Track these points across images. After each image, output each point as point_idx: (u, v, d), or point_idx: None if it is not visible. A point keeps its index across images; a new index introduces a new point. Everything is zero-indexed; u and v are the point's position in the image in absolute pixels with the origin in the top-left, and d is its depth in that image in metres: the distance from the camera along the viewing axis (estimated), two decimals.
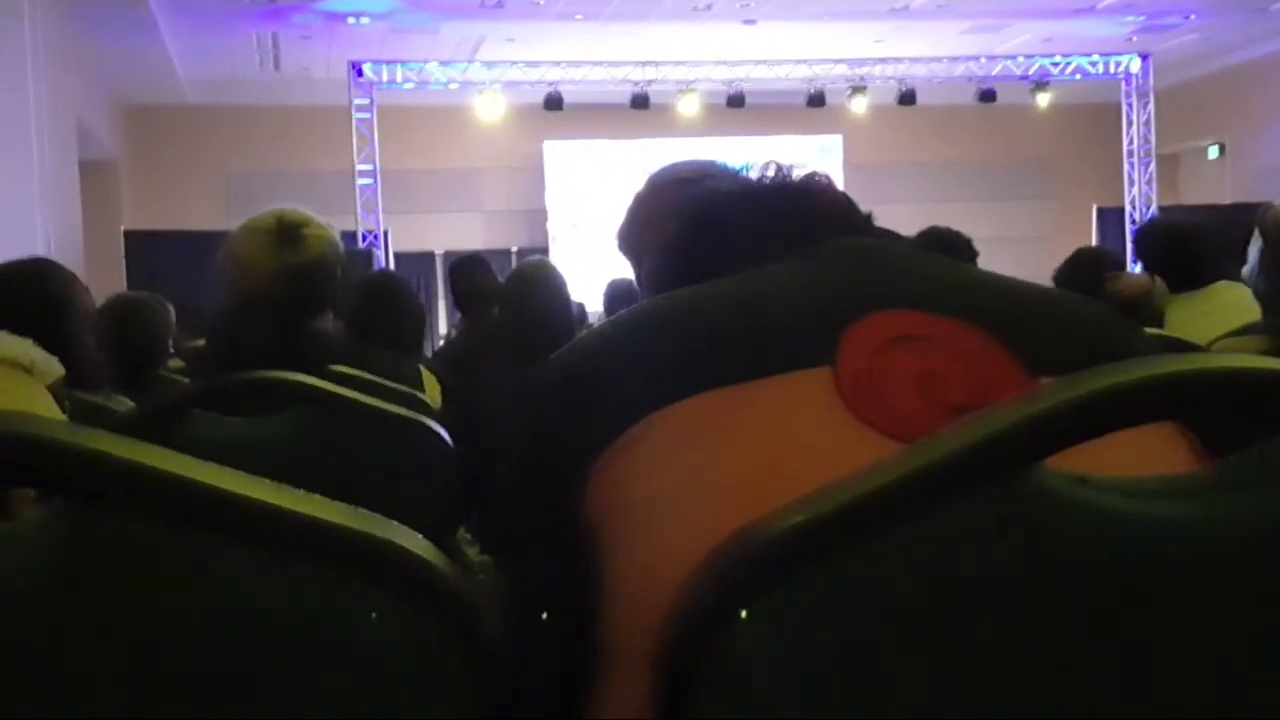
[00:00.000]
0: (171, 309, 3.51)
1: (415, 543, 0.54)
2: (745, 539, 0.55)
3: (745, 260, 0.91)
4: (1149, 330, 2.70)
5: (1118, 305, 3.25)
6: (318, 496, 0.54)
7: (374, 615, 0.52)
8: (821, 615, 0.55)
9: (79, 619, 0.51)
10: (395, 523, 0.55)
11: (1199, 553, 0.54)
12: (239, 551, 0.52)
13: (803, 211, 0.98)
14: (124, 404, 2.22)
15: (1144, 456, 0.66)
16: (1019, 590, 0.54)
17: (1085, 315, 0.89)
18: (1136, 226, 9.99)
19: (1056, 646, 0.54)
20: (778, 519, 0.54)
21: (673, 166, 1.62)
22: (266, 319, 1.98)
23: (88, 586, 0.52)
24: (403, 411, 1.54)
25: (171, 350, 3.52)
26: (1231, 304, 3.09)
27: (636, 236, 1.53)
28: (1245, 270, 2.35)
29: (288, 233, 1.97)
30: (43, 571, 0.52)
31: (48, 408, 1.68)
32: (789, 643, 0.56)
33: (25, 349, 1.69)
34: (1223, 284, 3.33)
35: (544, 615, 0.84)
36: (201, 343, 4.71)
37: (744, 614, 0.53)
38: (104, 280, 7.89)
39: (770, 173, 1.04)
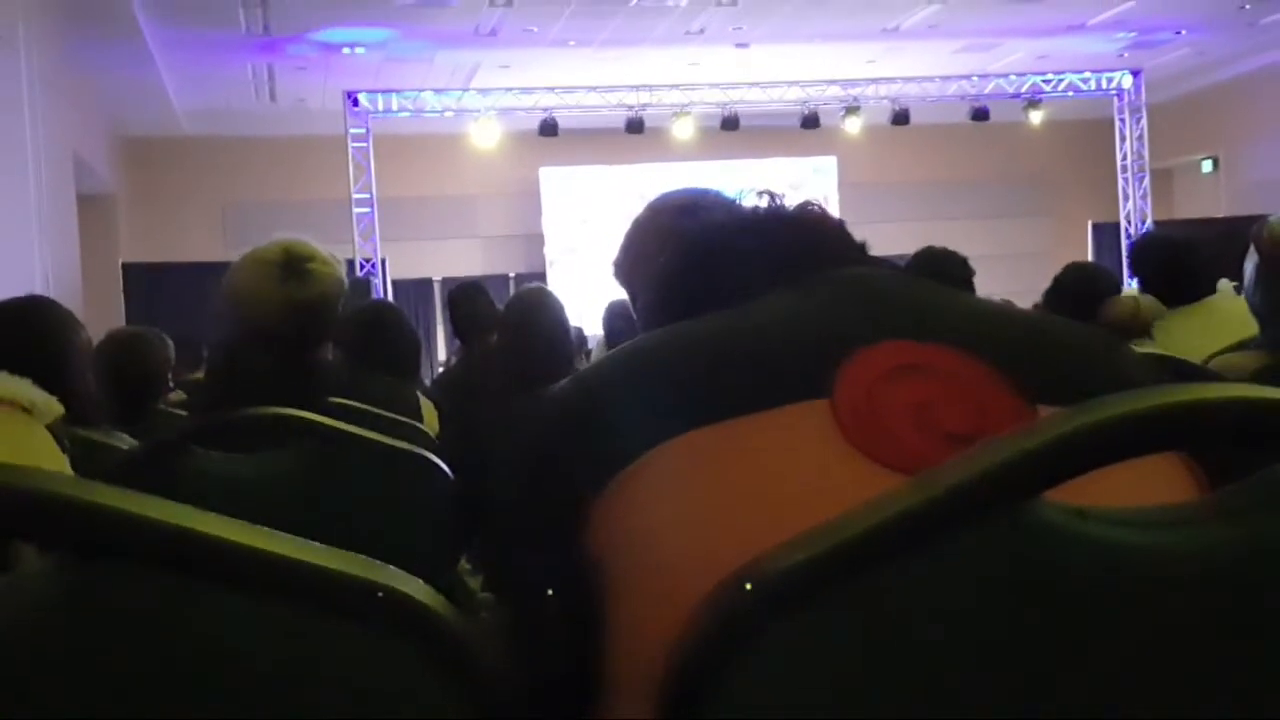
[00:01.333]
0: (170, 342, 3.51)
1: (414, 587, 0.54)
2: (748, 575, 0.55)
3: (741, 292, 0.91)
4: (1142, 348, 2.71)
5: (1110, 328, 3.25)
6: (316, 544, 0.54)
7: (379, 669, 0.52)
8: (823, 650, 0.55)
9: (80, 670, 0.51)
10: (393, 568, 0.55)
11: (1198, 583, 0.55)
12: (239, 599, 0.52)
13: (797, 242, 0.98)
14: (124, 440, 2.22)
15: (1145, 485, 0.66)
16: (1020, 623, 0.54)
17: (1079, 342, 0.89)
18: (1131, 241, 10.02)
19: (1058, 678, 0.54)
20: (780, 556, 0.54)
21: (669, 195, 1.62)
22: (267, 351, 1.99)
23: (88, 638, 0.52)
24: (401, 445, 1.54)
25: (171, 384, 3.52)
26: (1228, 317, 3.09)
27: (631, 267, 1.53)
28: (1243, 285, 2.36)
29: (293, 266, 1.97)
30: (44, 623, 0.52)
31: (48, 448, 1.68)
32: (791, 677, 0.56)
33: (24, 389, 1.69)
34: (1220, 294, 3.33)
35: (547, 649, 0.84)
36: (201, 375, 4.72)
37: (755, 667, 0.53)
38: (102, 313, 7.91)
39: (764, 203, 1.04)
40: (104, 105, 9.94)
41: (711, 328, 0.87)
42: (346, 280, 2.11)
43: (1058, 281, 3.63)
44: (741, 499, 0.74)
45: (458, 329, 4.51)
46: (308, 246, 2.02)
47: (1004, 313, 0.90)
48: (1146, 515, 0.58)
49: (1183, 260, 3.43)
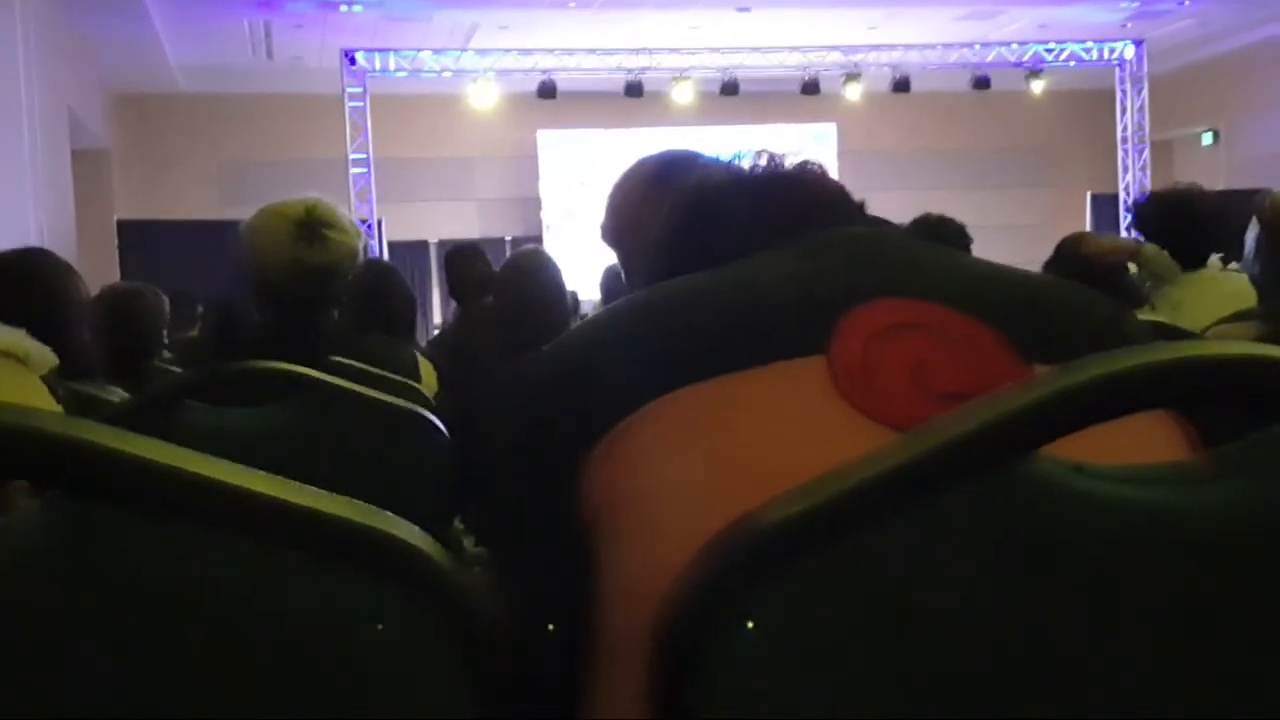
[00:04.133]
0: (166, 299, 3.50)
1: (411, 534, 0.54)
2: (740, 530, 0.55)
3: (738, 250, 0.91)
4: (1143, 317, 2.70)
5: (1096, 270, 3.18)
6: (313, 488, 0.54)
7: (374, 616, 0.52)
8: (817, 606, 0.56)
9: (76, 613, 0.51)
10: (390, 514, 0.55)
11: (1196, 540, 0.55)
12: (235, 543, 0.52)
13: (795, 201, 0.97)
14: (118, 395, 2.22)
15: (1140, 444, 0.66)
16: (1015, 577, 0.54)
17: (1076, 302, 0.89)
18: (1131, 210, 9.99)
19: (1054, 633, 0.54)
20: (772, 510, 0.54)
21: (648, 159, 1.62)
22: (271, 307, 1.99)
23: (85, 580, 0.52)
24: (399, 402, 1.54)
25: (166, 341, 3.51)
26: (1225, 290, 3.07)
27: (620, 227, 1.53)
28: (1244, 257, 2.35)
29: (311, 229, 1.96)
30: (39, 565, 0.52)
31: (42, 398, 1.67)
32: (785, 634, 0.56)
33: (19, 339, 1.68)
34: (1211, 270, 3.29)
35: (540, 608, 0.84)
36: (195, 333, 4.70)
37: (750, 625, 0.53)
38: (97, 270, 7.87)
39: (762, 162, 1.04)
40: (99, 61, 9.86)
41: (705, 284, 0.87)
42: (362, 253, 2.10)
43: (1059, 251, 3.60)
44: (736, 455, 0.74)
45: (454, 291, 4.51)
46: (331, 211, 2.01)
47: (1002, 273, 0.90)
48: (1144, 472, 0.58)
49: (1189, 215, 3.32)
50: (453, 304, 4.94)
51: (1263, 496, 0.56)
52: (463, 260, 4.40)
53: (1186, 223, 3.27)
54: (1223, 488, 0.56)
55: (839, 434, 0.73)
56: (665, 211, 1.05)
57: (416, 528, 0.55)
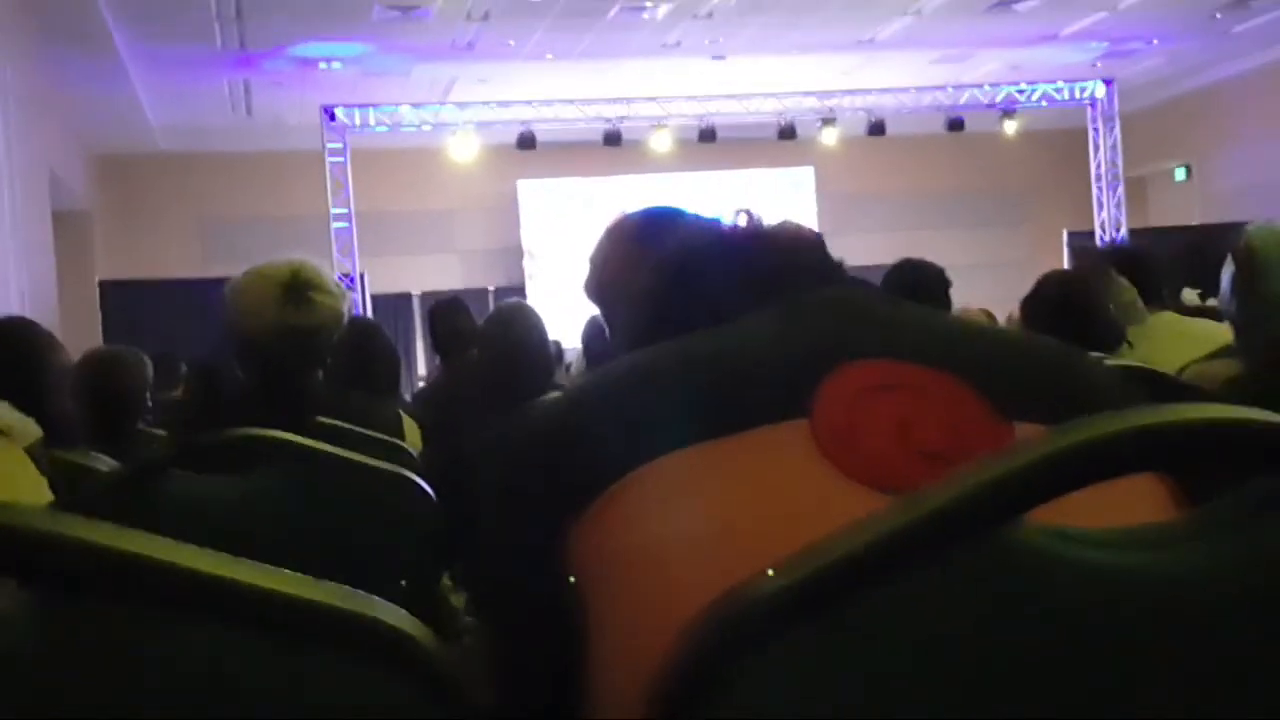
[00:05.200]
0: (149, 361, 3.48)
1: (398, 618, 0.54)
2: (731, 601, 0.55)
3: (720, 312, 0.92)
4: (1117, 360, 2.71)
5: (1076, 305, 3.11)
6: (298, 575, 0.53)
7: (361, 698, 0.52)
8: (807, 675, 0.56)
9: (55, 709, 0.51)
10: (376, 598, 0.55)
11: (1179, 603, 0.55)
12: (220, 634, 0.52)
13: (774, 263, 0.99)
14: (104, 462, 2.20)
15: (1125, 504, 0.66)
16: (1002, 645, 0.54)
17: (1049, 356, 0.91)
18: (1110, 245, 10.07)
19: (1040, 699, 0.55)
20: (760, 582, 0.54)
21: (629, 216, 1.64)
22: (256, 369, 1.98)
23: (64, 674, 0.51)
24: (384, 465, 1.54)
25: (150, 403, 3.49)
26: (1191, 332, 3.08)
27: (603, 284, 1.55)
28: (1220, 295, 2.37)
29: (297, 291, 1.97)
30: (18, 660, 0.52)
31: (26, 471, 1.66)
32: (773, 704, 0.56)
33: (2, 412, 1.68)
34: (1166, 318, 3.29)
35: (527, 679, 0.84)
36: (179, 393, 4.68)
37: (741, 694, 0.53)
38: (80, 331, 7.85)
39: (742, 222, 1.05)
40: (79, 122, 9.89)
41: (691, 350, 0.88)
42: (346, 315, 2.11)
43: (1037, 289, 3.60)
44: (725, 519, 0.74)
45: (438, 344, 4.51)
46: (318, 274, 2.02)
47: (976, 330, 0.94)
48: (1128, 536, 0.58)
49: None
50: (437, 357, 4.94)
51: (1245, 553, 0.56)
52: (445, 314, 4.41)
53: (1065, 315, 3.17)
54: (1206, 548, 0.56)
55: (824, 496, 0.74)
56: (647, 274, 1.06)
57: (403, 610, 0.55)
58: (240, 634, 0.52)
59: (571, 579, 0.78)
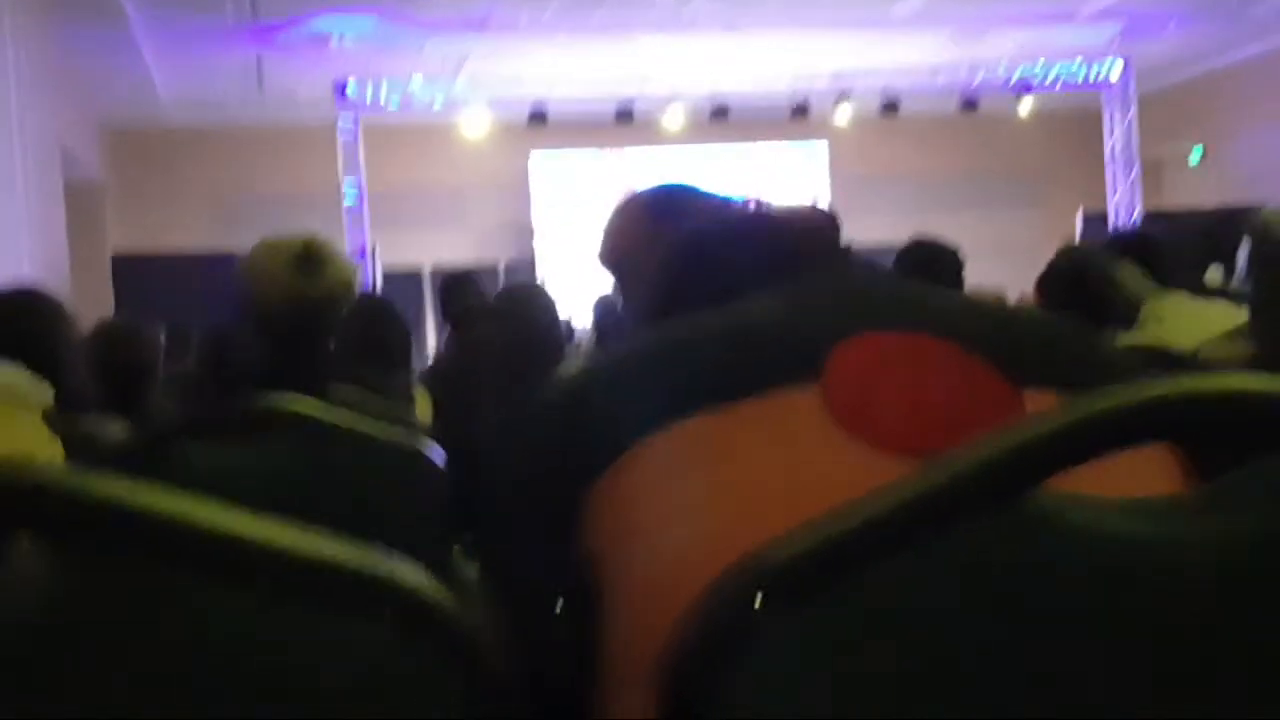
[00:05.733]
0: (161, 332, 3.49)
1: (415, 577, 0.54)
2: (746, 569, 0.55)
3: (732, 295, 0.94)
4: (1130, 338, 2.70)
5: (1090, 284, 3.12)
6: (315, 533, 0.54)
7: (379, 657, 0.52)
8: (822, 643, 0.56)
9: (74, 664, 0.51)
10: (393, 557, 0.55)
11: (1200, 573, 0.55)
12: (238, 590, 0.52)
13: (786, 247, 1.02)
14: (116, 431, 2.21)
15: (1136, 476, 0.67)
16: (1021, 614, 0.54)
17: (1057, 331, 0.93)
18: (1116, 232, 10.03)
19: (1058, 665, 0.55)
20: (777, 549, 0.54)
21: (649, 190, 1.65)
22: (268, 339, 2.00)
23: (86, 630, 0.51)
24: (397, 436, 1.54)
25: (161, 376, 3.50)
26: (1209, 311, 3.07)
27: (617, 257, 1.56)
28: (1235, 275, 2.36)
29: (310, 260, 2.01)
30: (40, 616, 0.52)
31: (41, 437, 1.67)
32: (790, 672, 0.56)
33: (16, 377, 1.68)
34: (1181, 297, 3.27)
35: (544, 643, 0.85)
36: (190, 365, 4.69)
37: (761, 672, 0.53)
38: (91, 304, 7.87)
39: (753, 207, 1.08)
40: (91, 95, 9.88)
41: (704, 324, 0.90)
42: (356, 285, 2.15)
43: (1052, 265, 3.58)
44: (737, 483, 0.75)
45: (449, 319, 4.51)
46: (328, 245, 2.08)
47: (983, 306, 0.95)
48: (1144, 506, 0.58)
49: (1083, 285, 3.26)
50: (445, 331, 4.95)
51: (1261, 530, 0.56)
52: (457, 289, 4.42)
53: (1080, 291, 3.17)
54: (1223, 519, 0.56)
55: (838, 459, 0.75)
56: (662, 255, 1.08)
57: (421, 570, 0.55)
58: (257, 593, 0.52)
59: (587, 547, 0.79)
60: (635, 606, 0.74)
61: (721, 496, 0.75)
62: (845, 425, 0.75)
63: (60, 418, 1.85)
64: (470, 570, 2.53)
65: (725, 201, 1.18)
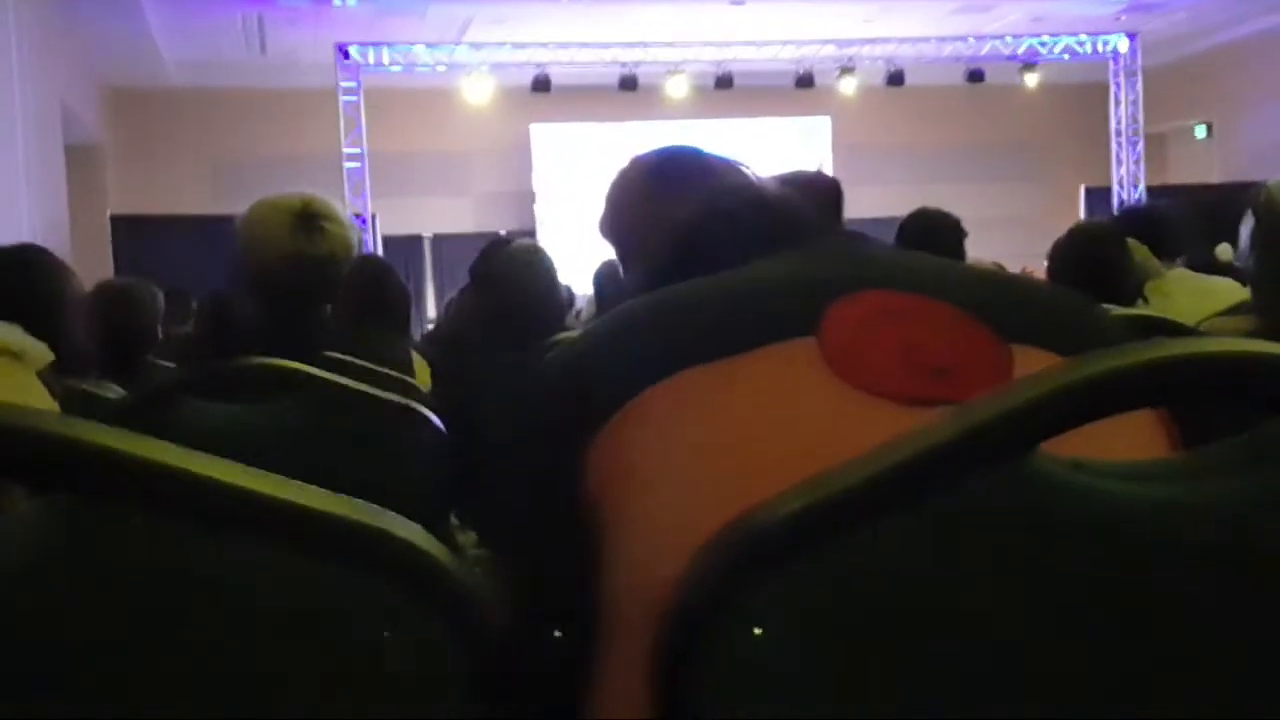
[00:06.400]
0: (160, 295, 3.49)
1: (413, 533, 0.54)
2: (742, 526, 0.55)
3: (735, 262, 0.97)
4: (1135, 310, 2.70)
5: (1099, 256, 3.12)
6: (314, 487, 0.54)
7: (377, 613, 0.52)
8: (819, 601, 0.56)
9: (77, 614, 0.51)
10: (392, 513, 0.55)
11: (1196, 534, 0.55)
12: (236, 543, 0.52)
13: (784, 218, 1.05)
14: (114, 391, 2.21)
15: (1126, 442, 0.68)
16: (1019, 573, 0.54)
17: (1048, 295, 0.96)
18: (1122, 206, 10.01)
19: (1057, 626, 0.55)
20: (775, 506, 0.54)
21: (651, 153, 1.63)
22: (267, 300, 1.99)
23: (85, 581, 0.51)
24: (395, 398, 1.54)
25: (161, 337, 3.50)
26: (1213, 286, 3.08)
27: (620, 223, 1.55)
28: (1237, 250, 2.35)
29: (309, 220, 1.98)
30: (40, 567, 0.52)
31: (38, 394, 1.67)
32: (786, 629, 0.56)
33: (14, 335, 1.68)
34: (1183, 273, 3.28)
35: (546, 596, 0.86)
36: (189, 329, 4.69)
37: (757, 631, 0.53)
38: (91, 265, 7.85)
39: (754, 178, 1.10)
40: (92, 56, 9.83)
41: (703, 285, 0.92)
42: (356, 247, 2.12)
43: (1061, 244, 3.57)
44: (736, 433, 0.77)
45: (473, 278, 4.48)
46: (328, 205, 2.04)
47: (981, 271, 0.97)
48: (1140, 468, 0.58)
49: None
50: (445, 297, 4.94)
51: (1251, 493, 0.56)
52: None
53: (1089, 269, 3.17)
54: (1221, 482, 0.56)
55: (835, 407, 0.76)
56: (664, 239, 1.10)
57: (419, 526, 0.55)
58: (255, 545, 0.52)
59: (589, 495, 0.80)
60: (636, 555, 0.75)
61: (719, 445, 0.76)
62: (842, 373, 0.77)
63: (58, 378, 1.85)
64: (464, 538, 2.54)
65: (729, 165, 1.19)
